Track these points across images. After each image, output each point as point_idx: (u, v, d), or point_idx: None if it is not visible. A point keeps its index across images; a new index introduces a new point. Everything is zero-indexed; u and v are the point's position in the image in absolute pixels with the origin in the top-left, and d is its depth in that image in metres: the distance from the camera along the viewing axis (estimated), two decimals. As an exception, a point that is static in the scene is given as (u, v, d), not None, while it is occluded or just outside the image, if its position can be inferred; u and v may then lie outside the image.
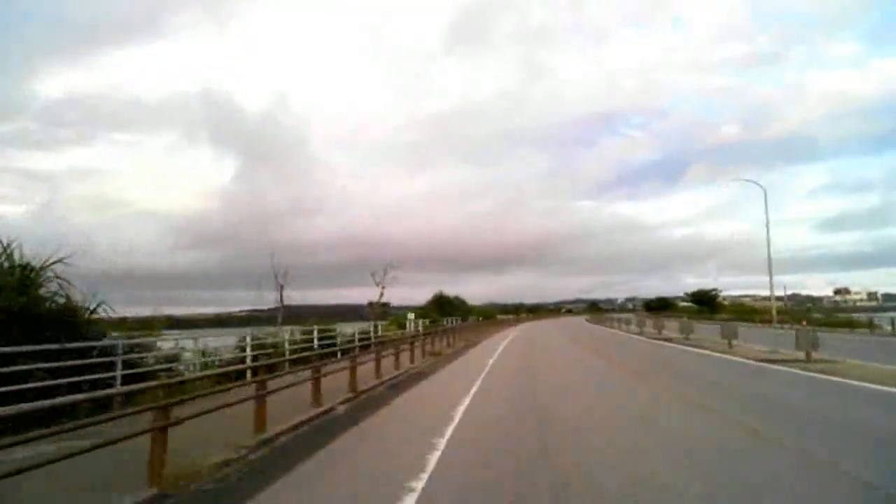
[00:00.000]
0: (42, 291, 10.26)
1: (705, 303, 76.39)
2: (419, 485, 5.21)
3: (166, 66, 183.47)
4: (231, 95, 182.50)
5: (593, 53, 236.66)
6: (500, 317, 73.86)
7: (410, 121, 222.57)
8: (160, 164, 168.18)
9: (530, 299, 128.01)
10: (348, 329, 24.54)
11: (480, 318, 54.74)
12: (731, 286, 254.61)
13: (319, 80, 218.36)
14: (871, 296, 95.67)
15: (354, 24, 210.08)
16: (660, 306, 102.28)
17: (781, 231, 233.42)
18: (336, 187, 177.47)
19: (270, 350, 16.53)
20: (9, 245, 10.26)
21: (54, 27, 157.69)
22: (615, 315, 63.79)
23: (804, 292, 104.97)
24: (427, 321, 36.49)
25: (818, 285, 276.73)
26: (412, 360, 18.52)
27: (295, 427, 8.37)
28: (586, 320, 76.24)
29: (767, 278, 40.64)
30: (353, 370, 12.00)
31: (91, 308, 11.03)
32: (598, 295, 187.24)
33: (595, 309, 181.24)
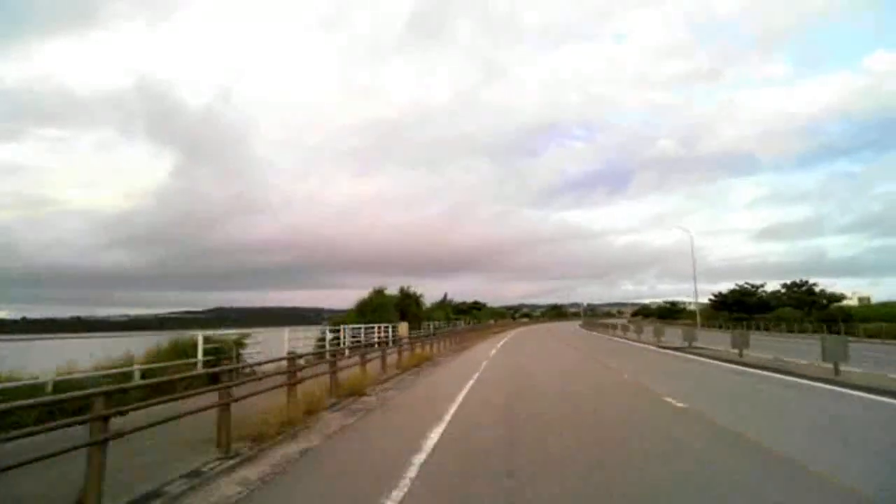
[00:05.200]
0: None
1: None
2: None
3: (100, 57, 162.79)
4: (170, 89, 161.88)
5: (539, 66, 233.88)
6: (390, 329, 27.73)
7: (358, 123, 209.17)
8: (92, 161, 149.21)
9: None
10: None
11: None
12: (669, 293, 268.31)
13: (265, 77, 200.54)
14: (864, 301, 75.79)
15: (304, 18, 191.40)
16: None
17: (720, 241, 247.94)
18: (280, 188, 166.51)
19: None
20: None
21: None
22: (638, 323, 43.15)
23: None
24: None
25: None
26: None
27: None
28: (580, 326, 51.59)
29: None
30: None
31: None
32: (542, 300, 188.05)
33: (559, 314, 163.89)
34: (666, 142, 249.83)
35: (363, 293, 34.75)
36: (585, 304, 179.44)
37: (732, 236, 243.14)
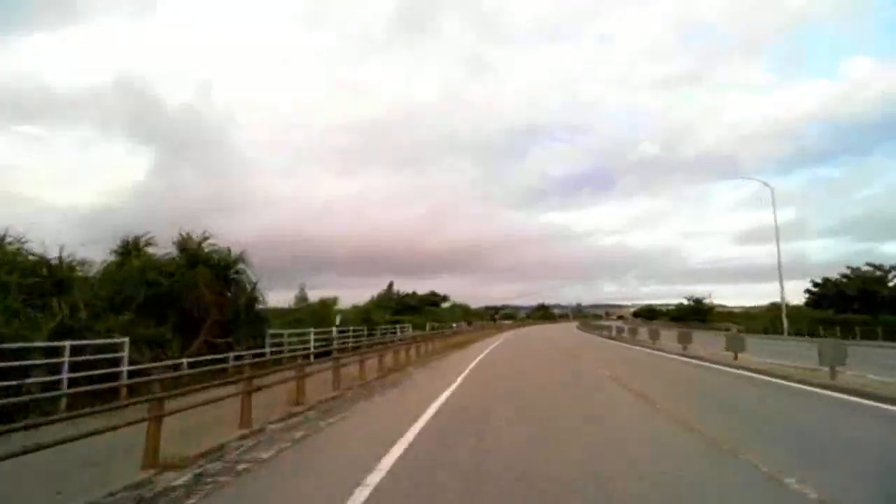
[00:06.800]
0: None
1: None
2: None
3: (80, 53, 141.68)
4: (151, 85, 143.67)
5: (525, 67, 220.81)
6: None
7: (343, 122, 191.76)
8: (71, 158, 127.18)
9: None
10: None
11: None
12: (652, 296, 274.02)
13: (248, 74, 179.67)
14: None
15: (287, 14, 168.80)
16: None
17: (703, 242, 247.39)
18: (262, 187, 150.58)
19: None
20: None
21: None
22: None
23: (717, 301, 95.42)
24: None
25: (729, 294, 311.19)
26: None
27: None
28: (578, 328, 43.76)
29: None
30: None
31: None
32: (524, 302, 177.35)
33: (545, 315, 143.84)
34: (649, 145, 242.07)
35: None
36: (575, 304, 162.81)
37: (714, 238, 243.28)
